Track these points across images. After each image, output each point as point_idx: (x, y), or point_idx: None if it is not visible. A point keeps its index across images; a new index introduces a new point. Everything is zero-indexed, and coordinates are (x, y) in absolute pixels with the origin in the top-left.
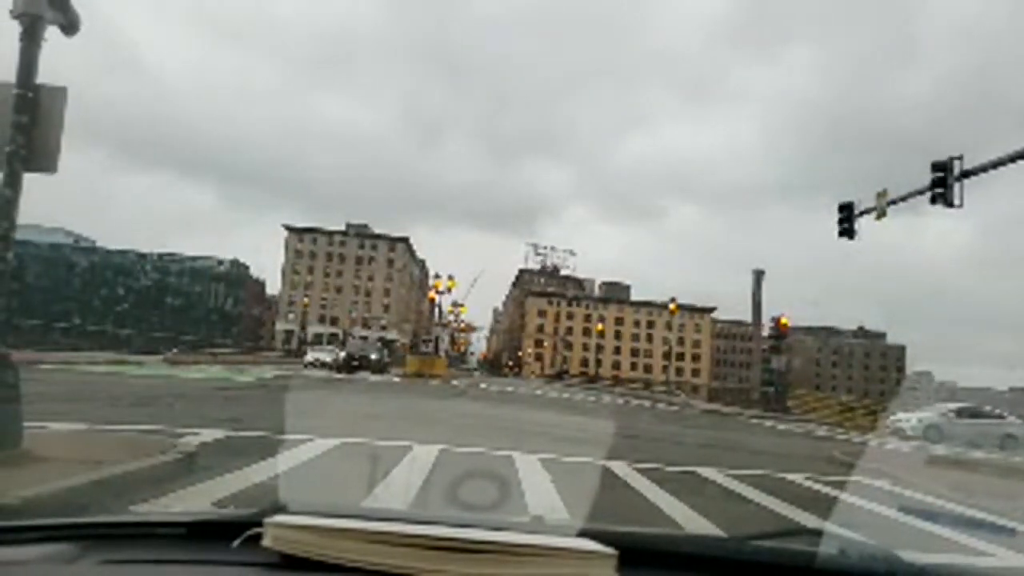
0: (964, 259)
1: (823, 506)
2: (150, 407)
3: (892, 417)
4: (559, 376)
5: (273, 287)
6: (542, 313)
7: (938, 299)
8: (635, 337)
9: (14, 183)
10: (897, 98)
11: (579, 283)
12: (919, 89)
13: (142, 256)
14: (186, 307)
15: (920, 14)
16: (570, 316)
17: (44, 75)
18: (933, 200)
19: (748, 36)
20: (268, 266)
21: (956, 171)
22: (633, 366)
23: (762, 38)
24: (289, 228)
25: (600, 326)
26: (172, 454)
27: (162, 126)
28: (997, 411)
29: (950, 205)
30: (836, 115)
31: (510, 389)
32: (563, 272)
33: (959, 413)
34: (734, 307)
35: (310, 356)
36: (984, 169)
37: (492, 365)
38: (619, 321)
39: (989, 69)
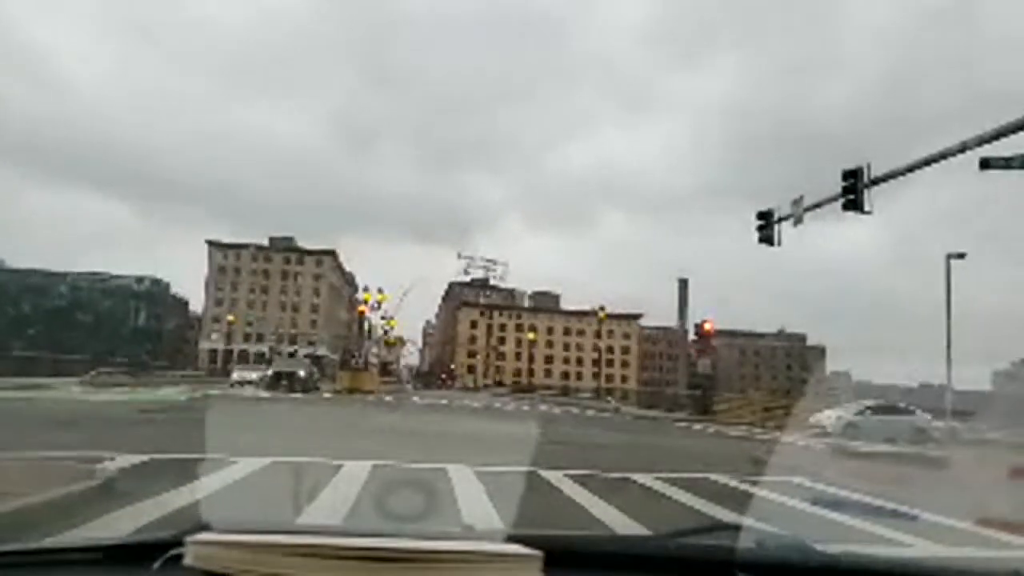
0: (879, 261)
1: (742, 502)
2: (66, 433)
3: (815, 416)
4: (493, 387)
5: (197, 304)
6: (474, 324)
7: (856, 300)
8: (566, 346)
9: None
10: (824, 105)
11: (510, 294)
12: (844, 96)
13: (53, 275)
14: (102, 327)
15: (842, 23)
16: (502, 327)
17: None
18: (845, 206)
19: (677, 44)
20: (191, 283)
21: (865, 178)
22: (565, 374)
23: (691, 47)
24: (212, 243)
25: (532, 335)
26: (90, 481)
27: (75, 138)
28: (908, 406)
29: (860, 210)
30: (765, 122)
31: (443, 402)
32: (494, 283)
33: (874, 410)
34: (660, 312)
35: (236, 375)
36: (890, 176)
37: (425, 378)
38: (550, 330)
39: (908, 76)
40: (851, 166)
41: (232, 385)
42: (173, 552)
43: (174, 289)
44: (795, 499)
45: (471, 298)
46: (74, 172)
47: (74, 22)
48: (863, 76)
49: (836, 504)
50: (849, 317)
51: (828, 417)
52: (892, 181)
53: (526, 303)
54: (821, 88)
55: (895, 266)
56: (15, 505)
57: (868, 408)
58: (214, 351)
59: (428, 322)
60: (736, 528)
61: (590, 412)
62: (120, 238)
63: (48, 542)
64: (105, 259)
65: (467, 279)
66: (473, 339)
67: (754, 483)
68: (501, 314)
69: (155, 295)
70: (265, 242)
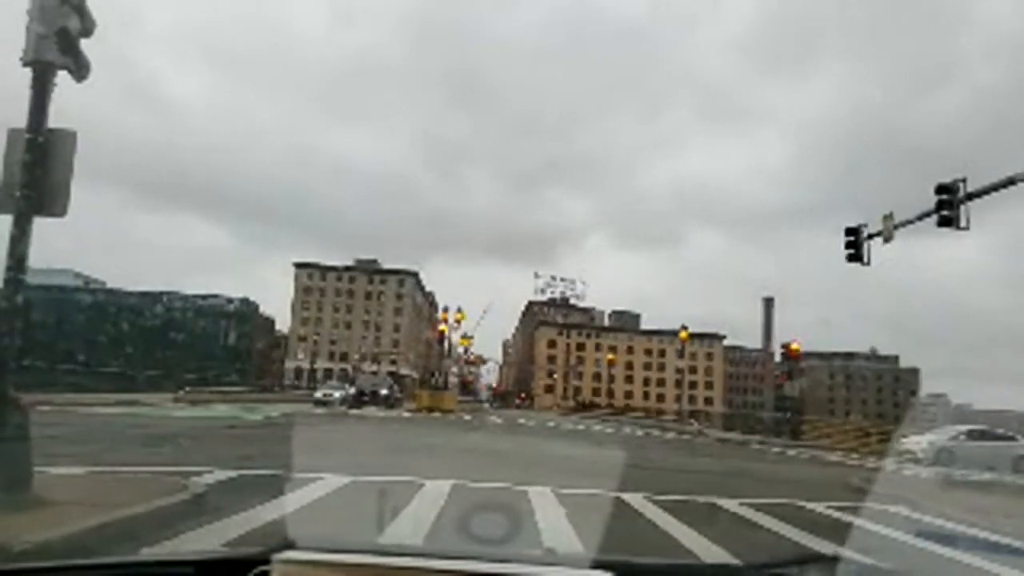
0: (981, 279)
1: (839, 532)
2: (160, 447)
3: (903, 440)
4: (572, 408)
5: (283, 324)
6: (552, 344)
7: (954, 321)
8: (647, 366)
9: (23, 227)
10: (926, 118)
11: (588, 313)
12: (948, 108)
13: (151, 296)
14: (195, 346)
15: (952, 31)
16: (580, 347)
17: (55, 113)
18: (940, 223)
19: (771, 58)
20: (278, 303)
21: (961, 193)
22: (645, 395)
23: (786, 59)
24: (298, 264)
25: (611, 356)
26: (182, 495)
27: (173, 164)
28: (1010, 433)
29: (956, 227)
30: (860, 135)
31: (522, 422)
32: (572, 302)
33: (970, 435)
34: (744, 332)
35: (320, 393)
36: (989, 191)
37: (503, 398)
38: (630, 350)
39: (1017, 86)
40: (948, 180)
41: (316, 402)
42: (260, 569)
43: (262, 309)
44: (898, 531)
45: (549, 317)
46: (170, 196)
47: (174, 51)
48: (975, 88)
49: (945, 538)
50: (947, 338)
51: (919, 443)
52: (998, 195)
53: (605, 322)
54: (924, 101)
55: (1000, 286)
56: (114, 516)
57: (963, 433)
58: (299, 369)
59: (506, 341)
60: (834, 560)
61: (672, 435)
62: (212, 259)
63: (144, 554)
64: (198, 280)
65: (546, 298)
66: (551, 358)
67: (851, 512)
68: (580, 333)
69: (245, 315)
70: (350, 263)
